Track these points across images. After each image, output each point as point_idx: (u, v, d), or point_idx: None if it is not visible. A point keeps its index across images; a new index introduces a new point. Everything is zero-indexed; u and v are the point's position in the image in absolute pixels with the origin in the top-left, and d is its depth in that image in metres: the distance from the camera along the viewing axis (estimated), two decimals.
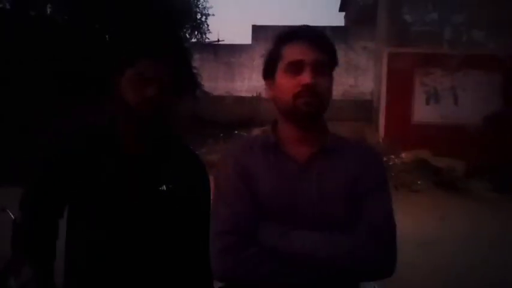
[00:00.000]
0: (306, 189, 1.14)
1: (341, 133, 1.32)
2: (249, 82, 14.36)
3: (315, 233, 1.09)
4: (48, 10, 9.25)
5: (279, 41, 1.20)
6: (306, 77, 1.12)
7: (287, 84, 1.14)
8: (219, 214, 1.15)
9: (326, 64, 1.16)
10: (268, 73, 1.22)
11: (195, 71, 10.47)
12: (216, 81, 13.69)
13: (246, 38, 15.54)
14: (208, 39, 12.12)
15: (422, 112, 9.30)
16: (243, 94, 14.02)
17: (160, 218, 1.33)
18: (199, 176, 1.43)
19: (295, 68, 1.14)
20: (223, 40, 13.93)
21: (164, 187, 1.33)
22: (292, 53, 1.15)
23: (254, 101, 12.39)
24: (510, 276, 3.85)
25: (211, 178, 1.33)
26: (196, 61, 11.56)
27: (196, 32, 11.49)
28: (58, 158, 1.35)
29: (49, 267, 1.38)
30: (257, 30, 14.99)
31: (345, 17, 17.95)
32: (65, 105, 7.33)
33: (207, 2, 12.15)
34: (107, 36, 8.82)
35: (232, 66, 14.76)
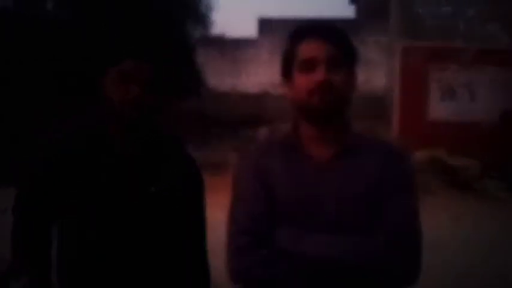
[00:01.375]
0: (325, 191, 1.13)
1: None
2: (255, 78, 14.14)
3: (337, 236, 1.08)
4: (49, 8, 9.24)
5: (292, 40, 1.19)
6: (319, 74, 1.11)
7: (301, 82, 1.14)
8: (235, 214, 1.16)
9: (341, 59, 1.15)
10: (285, 73, 1.21)
11: (198, 67, 10.33)
12: (221, 77, 13.45)
13: (251, 32, 15.29)
14: (213, 33, 11.88)
15: (437, 109, 9.08)
16: (249, 90, 13.85)
17: (150, 219, 1.34)
18: (190, 176, 1.43)
19: (309, 65, 1.13)
20: (228, 34, 13.70)
21: (153, 188, 1.34)
22: (305, 50, 1.15)
23: (261, 98, 12.25)
24: None
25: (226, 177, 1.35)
26: (200, 56, 11.32)
27: (200, 27, 11.26)
28: (48, 161, 1.36)
29: (45, 271, 1.38)
30: (263, 23, 14.77)
31: (356, 9, 17.64)
32: (64, 105, 7.27)
33: None
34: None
35: (237, 61, 14.49)
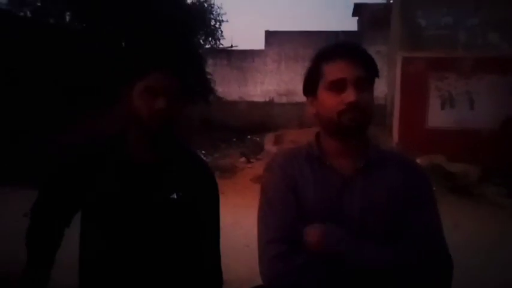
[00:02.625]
0: (349, 203, 1.15)
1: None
2: (261, 87, 14.41)
3: (376, 244, 1.09)
4: (66, 19, 9.37)
5: (319, 59, 1.19)
6: (349, 95, 1.12)
7: (331, 102, 1.15)
8: (268, 222, 1.16)
9: (368, 79, 1.17)
10: (309, 90, 1.23)
11: (208, 76, 10.53)
12: (229, 86, 13.74)
13: (259, 44, 15.53)
14: (222, 45, 12.22)
15: (437, 117, 9.20)
16: (256, 99, 14.09)
17: (169, 226, 1.34)
18: (207, 185, 1.43)
19: (338, 86, 1.14)
20: (236, 46, 13.99)
21: (174, 195, 1.33)
22: (333, 71, 1.15)
23: (267, 106, 12.35)
24: None
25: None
26: (210, 67, 11.62)
27: (210, 38, 11.58)
28: (68, 168, 1.37)
29: (45, 274, 1.41)
30: (270, 35, 15.09)
31: (358, 21, 17.87)
32: (70, 115, 7.39)
33: (221, 8, 12.22)
34: (122, 44, 8.89)
35: (245, 71, 14.81)
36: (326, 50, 1.20)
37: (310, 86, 1.21)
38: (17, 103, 7.25)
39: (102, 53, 7.66)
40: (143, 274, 1.32)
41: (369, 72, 1.17)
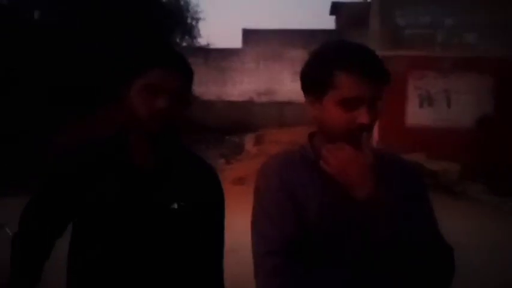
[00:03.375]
0: (351, 207, 1.10)
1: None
2: (240, 86, 14.30)
3: (379, 277, 1.06)
4: (37, 14, 9.14)
5: (332, 64, 1.07)
6: (363, 116, 1.05)
7: (340, 118, 1.07)
8: (264, 233, 1.10)
9: (382, 96, 1.08)
10: (312, 92, 1.13)
11: None
12: (206, 86, 13.56)
13: (236, 42, 15.48)
14: (199, 43, 12.04)
15: (416, 115, 9.30)
16: (234, 99, 13.99)
17: (171, 235, 1.27)
18: (212, 191, 1.36)
19: (352, 103, 1.05)
20: (213, 44, 13.86)
21: (175, 205, 1.26)
22: (349, 86, 1.05)
23: (246, 105, 12.29)
24: (510, 280, 3.84)
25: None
26: None
27: (186, 37, 11.42)
28: (62, 175, 1.28)
29: (34, 283, 1.31)
30: (247, 34, 14.94)
31: (336, 20, 17.97)
32: (59, 116, 7.25)
33: (198, 6, 12.09)
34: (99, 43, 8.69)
35: (223, 70, 14.65)
36: (342, 56, 1.07)
37: (315, 89, 1.11)
38: (10, 105, 7.12)
39: (93, 52, 7.56)
40: (142, 284, 1.25)
41: (384, 89, 1.08)
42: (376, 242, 1.07)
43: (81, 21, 8.16)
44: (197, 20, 11.62)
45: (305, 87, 1.15)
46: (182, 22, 11.01)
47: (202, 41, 12.20)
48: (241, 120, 11.60)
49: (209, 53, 13.28)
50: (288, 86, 13.35)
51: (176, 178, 1.29)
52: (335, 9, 17.38)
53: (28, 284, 1.30)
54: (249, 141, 9.85)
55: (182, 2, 11.31)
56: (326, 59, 1.09)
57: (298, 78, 1.20)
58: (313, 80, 1.11)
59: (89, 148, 1.30)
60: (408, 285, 1.05)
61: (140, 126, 1.20)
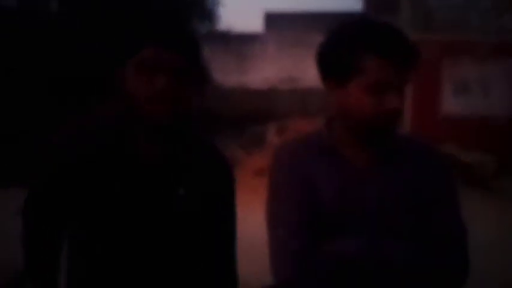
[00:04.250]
0: (367, 195, 1.11)
1: None
2: (261, 73, 14.04)
3: (394, 243, 1.06)
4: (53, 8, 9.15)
5: (359, 46, 1.03)
6: (392, 101, 1.04)
7: (368, 103, 1.05)
8: (283, 218, 1.10)
9: (409, 80, 1.07)
10: (334, 77, 1.09)
11: (204, 63, 10.29)
12: (226, 74, 13.37)
13: (256, 26, 15.35)
14: (219, 28, 11.79)
15: (450, 104, 8.93)
16: (255, 87, 13.73)
17: (179, 224, 1.24)
18: (221, 181, 1.33)
19: (380, 88, 1.04)
20: (234, 30, 13.66)
21: (182, 191, 1.23)
22: (378, 71, 1.03)
23: (268, 93, 12.14)
24: None
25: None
26: (206, 53, 11.23)
27: (206, 22, 11.18)
28: (61, 163, 1.23)
29: (52, 282, 1.30)
30: (269, 18, 14.76)
31: (364, 2, 17.51)
32: (60, 108, 7.27)
33: None
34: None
35: (243, 57, 14.41)
36: (371, 37, 1.03)
37: (338, 74, 1.07)
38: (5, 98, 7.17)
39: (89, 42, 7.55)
40: (151, 277, 1.23)
41: (412, 71, 1.06)
42: (391, 227, 1.07)
43: (87, 11, 8.17)
44: (217, 4, 11.31)
45: (325, 71, 1.11)
46: (201, 7, 10.81)
47: (222, 26, 12.00)
48: (262, 109, 11.50)
49: (229, 39, 13.09)
50: (312, 73, 12.99)
51: (184, 167, 1.25)
52: None
53: (48, 278, 1.28)
54: (271, 131, 9.74)
55: None
56: (351, 41, 1.05)
57: None
58: (337, 63, 1.07)
59: (87, 137, 1.23)
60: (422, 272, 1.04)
61: (141, 112, 1.14)
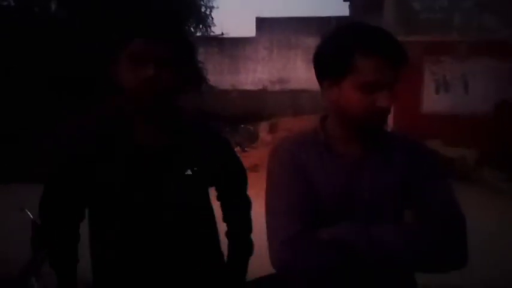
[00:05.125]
0: (359, 187, 1.13)
1: None
2: (253, 75, 14.24)
3: (387, 225, 1.07)
4: (53, 7, 9.04)
5: (351, 47, 1.07)
6: (383, 100, 1.06)
7: (360, 101, 1.08)
8: (281, 206, 1.12)
9: (399, 79, 1.09)
10: (329, 74, 1.12)
11: (200, 64, 10.38)
12: (221, 75, 13.53)
13: (250, 31, 15.39)
14: (213, 32, 11.94)
15: (432, 101, 9.15)
16: (248, 87, 13.91)
17: (190, 202, 1.30)
18: (224, 153, 1.41)
19: (372, 87, 1.06)
20: (227, 33, 13.80)
21: (189, 171, 1.27)
22: (371, 70, 1.05)
23: (260, 94, 12.20)
24: None
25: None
26: (201, 55, 11.43)
27: (201, 26, 11.31)
28: (71, 157, 1.27)
29: (72, 271, 1.35)
30: (261, 22, 14.83)
31: (350, 6, 17.66)
32: (66, 104, 7.25)
33: None
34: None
35: (236, 59, 14.58)
36: (362, 39, 1.07)
37: (333, 73, 1.11)
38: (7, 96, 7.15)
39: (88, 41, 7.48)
40: (166, 259, 1.27)
41: (402, 71, 1.09)
42: (385, 216, 1.10)
43: (86, 11, 8.14)
44: (211, 8, 11.48)
45: (321, 71, 1.15)
46: (196, 11, 10.90)
47: (216, 30, 12.11)
48: (255, 109, 11.57)
49: (223, 42, 13.23)
50: (301, 74, 13.24)
51: (187, 148, 1.29)
52: None
53: (70, 269, 1.34)
54: (263, 129, 9.85)
55: None
56: (345, 42, 1.08)
57: (312, 66, 1.18)
58: (332, 63, 1.10)
59: (92, 130, 1.28)
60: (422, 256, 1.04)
61: (134, 101, 1.19)
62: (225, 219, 1.53)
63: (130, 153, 1.24)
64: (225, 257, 1.51)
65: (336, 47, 1.10)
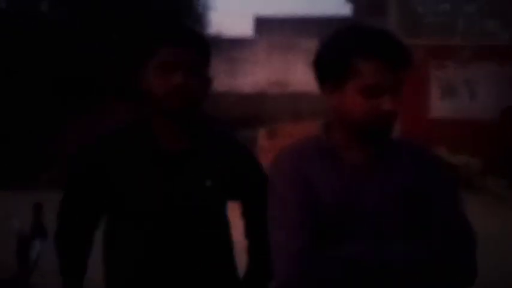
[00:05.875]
0: (365, 195, 1.11)
1: None
2: (252, 77, 14.07)
3: (397, 243, 1.06)
4: (43, 8, 9.08)
5: (351, 51, 1.06)
6: (387, 103, 1.05)
7: (363, 105, 1.06)
8: (284, 220, 1.10)
9: (404, 83, 1.08)
10: (330, 81, 1.11)
11: None
12: (217, 78, 13.36)
13: (247, 31, 15.34)
14: (210, 33, 11.83)
15: (437, 107, 9.12)
16: (246, 91, 13.77)
17: (207, 214, 1.31)
18: (246, 162, 1.42)
19: (375, 90, 1.05)
20: (224, 34, 13.65)
21: (208, 182, 1.29)
22: (373, 73, 1.04)
23: (258, 97, 12.14)
24: None
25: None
26: None
27: (197, 26, 11.20)
28: (90, 164, 1.31)
29: (80, 280, 1.38)
30: (260, 22, 14.73)
31: (353, 7, 17.63)
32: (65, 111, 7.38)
33: None
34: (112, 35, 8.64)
35: (234, 61, 14.42)
36: (362, 42, 1.06)
37: (334, 78, 1.09)
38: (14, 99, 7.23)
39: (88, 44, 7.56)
40: (180, 262, 1.28)
41: (406, 73, 1.07)
42: (391, 226, 1.08)
43: (87, 12, 8.12)
44: (208, 9, 11.48)
45: (322, 76, 1.13)
46: (192, 11, 10.88)
47: (212, 30, 12.02)
48: (253, 113, 11.51)
49: (220, 43, 13.09)
50: (302, 77, 13.07)
51: (207, 157, 1.31)
52: None
53: (78, 274, 1.37)
54: (262, 135, 9.74)
55: None
56: (345, 45, 1.07)
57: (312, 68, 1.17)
58: (333, 68, 1.09)
59: (113, 136, 1.33)
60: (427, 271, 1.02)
61: (160, 106, 1.23)
62: (247, 235, 1.49)
63: (155, 156, 1.27)
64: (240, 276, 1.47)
65: (336, 50, 1.10)
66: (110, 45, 7.75)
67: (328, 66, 1.10)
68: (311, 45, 13.70)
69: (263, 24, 14.45)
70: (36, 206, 2.79)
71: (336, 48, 1.09)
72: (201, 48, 1.28)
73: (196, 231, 1.29)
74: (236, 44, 14.32)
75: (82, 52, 7.43)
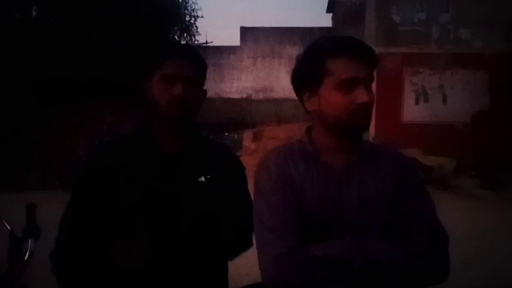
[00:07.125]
0: (347, 196, 1.14)
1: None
2: (238, 83, 14.35)
3: (379, 242, 1.10)
4: (34, 13, 9.07)
5: (322, 53, 1.13)
6: (362, 95, 1.09)
7: (340, 101, 1.11)
8: (269, 221, 1.12)
9: (373, 77, 1.13)
10: (307, 86, 1.17)
11: None
12: (205, 83, 13.58)
13: (234, 40, 15.50)
14: (197, 41, 12.07)
15: (411, 111, 9.39)
16: (232, 95, 14.04)
17: (202, 206, 1.34)
18: (232, 163, 1.48)
19: (349, 85, 1.10)
20: (211, 42, 13.89)
21: (203, 178, 1.36)
22: (344, 69, 1.10)
23: (244, 102, 12.26)
24: (502, 271, 3.87)
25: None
26: None
27: (185, 34, 11.41)
28: (95, 172, 1.33)
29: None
30: (245, 31, 15.03)
31: (333, 18, 17.98)
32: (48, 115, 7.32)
33: (196, 3, 12.09)
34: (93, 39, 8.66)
35: (221, 67, 14.69)
36: (330, 44, 1.13)
37: (309, 81, 1.16)
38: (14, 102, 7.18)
39: (77, 46, 7.51)
40: (178, 251, 1.31)
41: (374, 70, 1.13)
42: (372, 225, 1.12)
43: (76, 19, 8.15)
44: (195, 17, 11.63)
45: (299, 84, 1.19)
46: (180, 20, 10.99)
47: (200, 38, 12.22)
48: (239, 117, 11.62)
49: (207, 51, 13.30)
50: (285, 83, 13.38)
51: (200, 158, 1.39)
52: (331, 6, 17.40)
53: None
54: (247, 137, 9.90)
55: (180, 0, 11.36)
56: (318, 50, 1.15)
57: None
58: (308, 73, 1.15)
59: (117, 143, 1.41)
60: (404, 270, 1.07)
61: (162, 113, 1.32)
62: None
63: (154, 160, 1.34)
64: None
65: (309, 58, 1.16)
66: (93, 48, 7.70)
67: (305, 72, 1.17)
68: (294, 52, 14.06)
69: (249, 33, 14.70)
70: (29, 207, 2.65)
71: (310, 53, 1.16)
72: (200, 64, 1.38)
73: (195, 219, 1.33)
74: (223, 51, 14.70)
75: (66, 54, 7.51)
